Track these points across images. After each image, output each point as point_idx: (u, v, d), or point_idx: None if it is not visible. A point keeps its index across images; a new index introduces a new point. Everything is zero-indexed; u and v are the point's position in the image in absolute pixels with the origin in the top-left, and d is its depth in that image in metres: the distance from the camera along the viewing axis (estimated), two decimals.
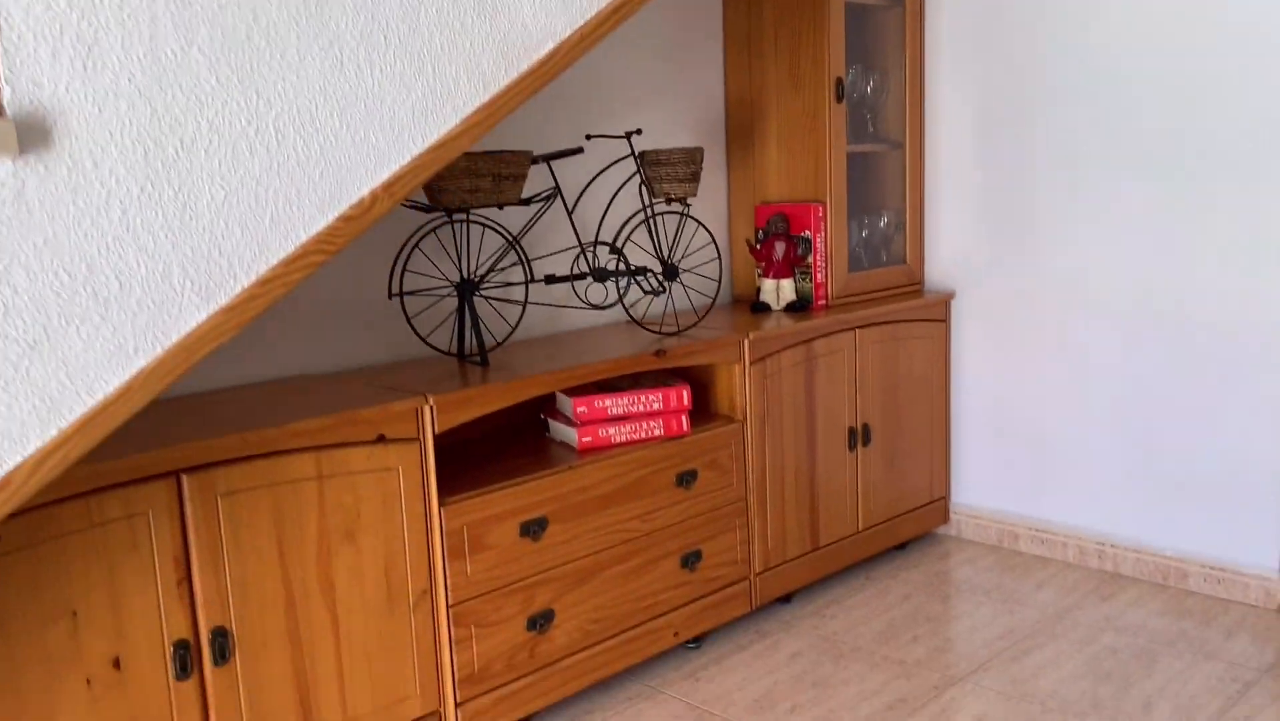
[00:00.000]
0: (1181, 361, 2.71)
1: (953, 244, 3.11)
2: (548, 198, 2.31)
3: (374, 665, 1.93)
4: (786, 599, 2.79)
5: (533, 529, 2.14)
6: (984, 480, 3.16)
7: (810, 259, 2.87)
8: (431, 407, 1.97)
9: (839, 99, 2.83)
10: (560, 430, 2.39)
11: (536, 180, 2.57)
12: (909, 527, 3.07)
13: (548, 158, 2.30)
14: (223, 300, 1.09)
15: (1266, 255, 2.53)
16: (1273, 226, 2.52)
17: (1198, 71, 2.59)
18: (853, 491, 2.86)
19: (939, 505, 3.16)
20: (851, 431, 2.83)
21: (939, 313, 3.09)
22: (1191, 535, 2.75)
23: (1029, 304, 2.98)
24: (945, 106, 3.07)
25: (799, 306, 2.86)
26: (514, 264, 2.41)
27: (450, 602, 2.03)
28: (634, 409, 2.38)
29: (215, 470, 1.71)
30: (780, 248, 2.86)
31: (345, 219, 1.18)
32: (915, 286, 3.14)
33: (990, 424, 3.12)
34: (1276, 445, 2.58)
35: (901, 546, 3.14)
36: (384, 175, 1.22)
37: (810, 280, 2.88)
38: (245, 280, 1.11)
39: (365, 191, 1.21)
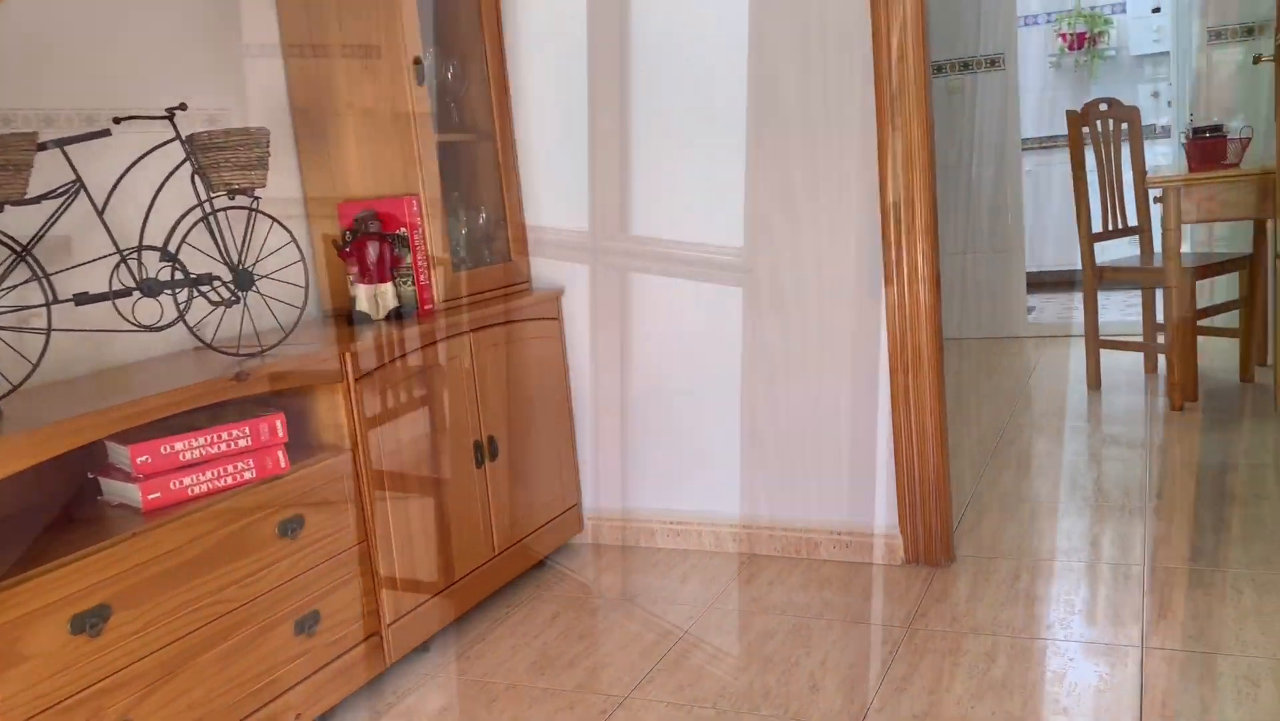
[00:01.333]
0: (788, 338, 2.72)
1: (556, 236, 2.94)
2: (66, 194, 1.79)
3: None
4: (425, 647, 2.44)
5: (90, 622, 1.63)
6: (614, 481, 3.01)
7: (410, 260, 2.55)
8: None
9: (420, 82, 2.53)
10: (117, 489, 1.87)
11: (51, 173, 2.01)
12: (546, 542, 2.83)
13: (61, 142, 1.78)
14: None
15: (842, 230, 2.60)
16: (834, 202, 2.59)
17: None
18: (485, 512, 2.57)
19: (572, 513, 2.96)
20: (477, 445, 2.54)
21: (551, 310, 2.89)
22: (816, 506, 2.78)
23: (638, 295, 2.87)
24: (532, 93, 2.89)
25: (404, 314, 2.53)
26: (28, 280, 1.85)
27: None
28: (214, 450, 1.92)
29: None
30: (374, 249, 2.51)
31: None
32: (523, 284, 2.92)
33: (614, 421, 2.97)
34: (877, 408, 2.65)
35: (540, 564, 2.90)
36: None
37: (413, 284, 2.56)
38: None
39: None
